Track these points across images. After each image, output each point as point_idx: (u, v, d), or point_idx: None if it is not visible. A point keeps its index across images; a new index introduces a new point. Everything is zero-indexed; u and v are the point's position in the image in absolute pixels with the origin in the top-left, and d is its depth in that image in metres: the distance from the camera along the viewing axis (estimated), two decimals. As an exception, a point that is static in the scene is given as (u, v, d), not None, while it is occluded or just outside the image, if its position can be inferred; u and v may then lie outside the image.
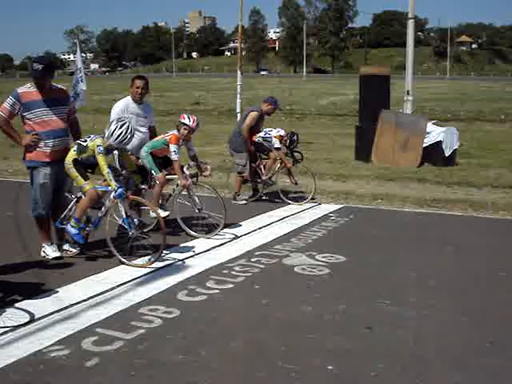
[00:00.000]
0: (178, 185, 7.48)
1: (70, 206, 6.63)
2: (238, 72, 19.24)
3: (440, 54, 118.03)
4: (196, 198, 7.49)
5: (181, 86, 61.11)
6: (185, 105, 35.74)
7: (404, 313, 5.06)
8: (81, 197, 6.53)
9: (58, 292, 5.46)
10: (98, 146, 6.20)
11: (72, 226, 6.39)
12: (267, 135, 9.73)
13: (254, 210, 9.22)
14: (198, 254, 6.81)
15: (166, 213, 7.47)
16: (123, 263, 6.30)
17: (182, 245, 7.13)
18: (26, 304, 5.10)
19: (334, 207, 9.74)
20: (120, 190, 6.16)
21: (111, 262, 6.35)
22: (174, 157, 7.29)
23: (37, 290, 5.44)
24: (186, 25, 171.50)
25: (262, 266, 6.33)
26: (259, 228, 8.11)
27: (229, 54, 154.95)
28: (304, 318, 4.91)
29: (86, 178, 6.37)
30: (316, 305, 5.19)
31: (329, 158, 15.35)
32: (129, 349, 4.24)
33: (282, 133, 9.81)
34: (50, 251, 6.61)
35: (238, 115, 17.58)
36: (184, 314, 4.94)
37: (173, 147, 7.31)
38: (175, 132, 7.50)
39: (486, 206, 9.77)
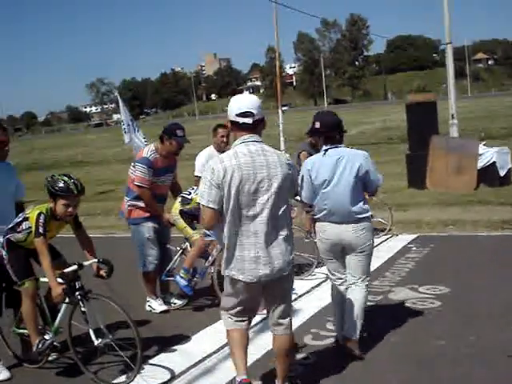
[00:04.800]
0: None
1: (174, 258, 6.72)
2: (280, 110, 19.41)
3: (457, 73, 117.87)
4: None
5: (206, 128, 61.54)
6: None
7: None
8: (186, 248, 6.62)
9: (182, 346, 5.51)
10: None
11: (181, 277, 6.46)
12: None
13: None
14: (301, 295, 6.82)
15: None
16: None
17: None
18: (159, 360, 5.15)
19: (409, 237, 9.70)
20: None
21: (219, 312, 6.34)
22: None
23: (160, 345, 5.48)
24: (202, 68, 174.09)
25: (370, 304, 6.30)
26: (346, 265, 8.09)
27: (247, 92, 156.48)
28: (443, 352, 4.90)
29: (193, 228, 6.47)
30: (447, 338, 5.18)
31: (382, 188, 15.28)
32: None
33: None
34: (156, 305, 6.67)
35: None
36: (319, 359, 4.96)
37: None
38: None
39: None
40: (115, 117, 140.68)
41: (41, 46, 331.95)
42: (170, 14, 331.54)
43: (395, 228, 10.44)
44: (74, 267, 4.73)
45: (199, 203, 6.34)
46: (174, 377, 4.80)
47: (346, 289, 5.17)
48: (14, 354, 5.45)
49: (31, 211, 4.87)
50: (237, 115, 3.94)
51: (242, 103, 3.96)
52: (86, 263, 4.86)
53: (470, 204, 12.25)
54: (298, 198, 5.06)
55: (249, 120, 3.92)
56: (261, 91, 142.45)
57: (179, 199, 6.60)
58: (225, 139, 7.62)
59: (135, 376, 4.61)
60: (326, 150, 4.99)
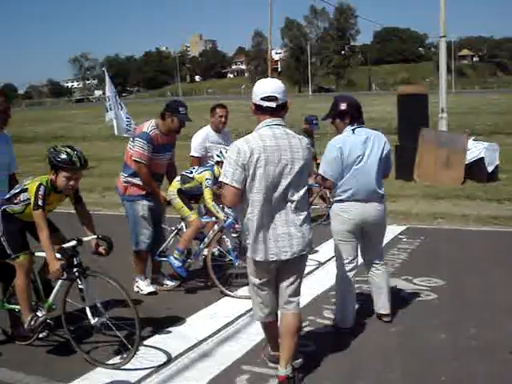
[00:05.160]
0: None
1: (168, 239, 6.58)
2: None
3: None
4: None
5: (190, 109, 61.13)
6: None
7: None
8: (181, 228, 6.49)
9: (176, 328, 5.40)
10: (206, 179, 6.20)
11: (175, 258, 6.33)
12: None
13: (322, 234, 9.09)
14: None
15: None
16: (227, 295, 6.23)
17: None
18: (153, 342, 5.03)
19: (398, 229, 9.65)
20: (229, 220, 6.14)
21: (213, 295, 6.30)
22: None
23: (154, 327, 5.35)
24: (187, 48, 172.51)
25: (366, 293, 6.24)
26: (338, 253, 8.02)
27: (231, 76, 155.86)
28: (443, 345, 4.85)
29: (190, 209, 6.35)
30: (446, 331, 5.13)
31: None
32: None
33: None
34: (143, 286, 6.52)
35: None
36: (319, 347, 4.88)
37: None
38: None
39: None
40: (97, 93, 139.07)
41: (22, 17, 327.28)
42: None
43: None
44: (73, 243, 4.57)
45: (201, 183, 6.30)
46: (170, 360, 4.68)
47: (354, 275, 5.28)
48: (2, 330, 5.29)
49: (30, 182, 4.70)
50: (261, 99, 4.03)
51: (267, 87, 4.05)
52: (85, 239, 4.69)
53: (458, 198, 12.26)
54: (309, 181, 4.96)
55: (272, 104, 4.01)
56: (245, 75, 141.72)
57: (178, 178, 6.46)
58: (223, 119, 7.49)
59: (132, 357, 4.49)
60: (354, 130, 5.14)
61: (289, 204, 4.01)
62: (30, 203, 4.60)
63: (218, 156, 6.35)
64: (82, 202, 4.92)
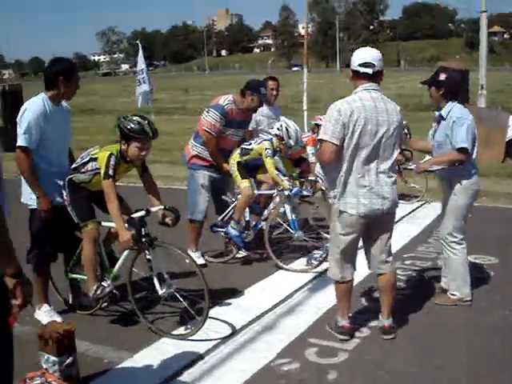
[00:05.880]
0: None
1: (227, 210, 6.57)
2: (305, 69, 19.00)
3: (471, 44, 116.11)
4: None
5: (217, 84, 60.95)
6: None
7: None
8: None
9: (236, 300, 5.42)
10: (266, 149, 6.18)
11: (232, 228, 6.33)
12: None
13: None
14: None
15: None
16: (282, 268, 6.23)
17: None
18: (216, 313, 5.00)
19: (442, 205, 9.54)
20: (296, 188, 6.14)
21: (268, 267, 6.31)
22: (311, 159, 7.29)
23: (214, 299, 5.23)
24: (214, 23, 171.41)
25: (418, 268, 6.24)
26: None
27: (258, 50, 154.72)
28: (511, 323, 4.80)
29: (244, 178, 6.32)
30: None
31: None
32: (358, 361, 4.18)
33: None
34: (194, 257, 6.50)
35: (305, 113, 17.25)
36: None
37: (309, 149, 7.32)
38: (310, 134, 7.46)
39: None
40: (123, 67, 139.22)
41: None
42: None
43: (427, 195, 10.29)
44: (142, 213, 4.57)
45: (260, 153, 6.26)
46: (234, 332, 4.69)
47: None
48: (64, 300, 5.34)
49: (99, 152, 4.70)
50: (359, 65, 4.30)
51: (365, 55, 4.34)
52: (152, 209, 4.70)
53: (499, 177, 12.06)
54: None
55: (369, 70, 4.29)
56: (272, 50, 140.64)
57: (238, 150, 6.45)
58: (274, 92, 7.43)
59: (200, 328, 4.49)
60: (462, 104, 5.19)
61: (383, 164, 4.29)
62: (98, 173, 4.60)
63: (278, 129, 6.33)
64: (148, 172, 4.93)
